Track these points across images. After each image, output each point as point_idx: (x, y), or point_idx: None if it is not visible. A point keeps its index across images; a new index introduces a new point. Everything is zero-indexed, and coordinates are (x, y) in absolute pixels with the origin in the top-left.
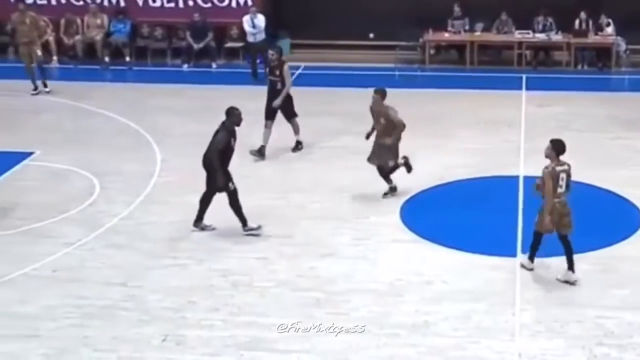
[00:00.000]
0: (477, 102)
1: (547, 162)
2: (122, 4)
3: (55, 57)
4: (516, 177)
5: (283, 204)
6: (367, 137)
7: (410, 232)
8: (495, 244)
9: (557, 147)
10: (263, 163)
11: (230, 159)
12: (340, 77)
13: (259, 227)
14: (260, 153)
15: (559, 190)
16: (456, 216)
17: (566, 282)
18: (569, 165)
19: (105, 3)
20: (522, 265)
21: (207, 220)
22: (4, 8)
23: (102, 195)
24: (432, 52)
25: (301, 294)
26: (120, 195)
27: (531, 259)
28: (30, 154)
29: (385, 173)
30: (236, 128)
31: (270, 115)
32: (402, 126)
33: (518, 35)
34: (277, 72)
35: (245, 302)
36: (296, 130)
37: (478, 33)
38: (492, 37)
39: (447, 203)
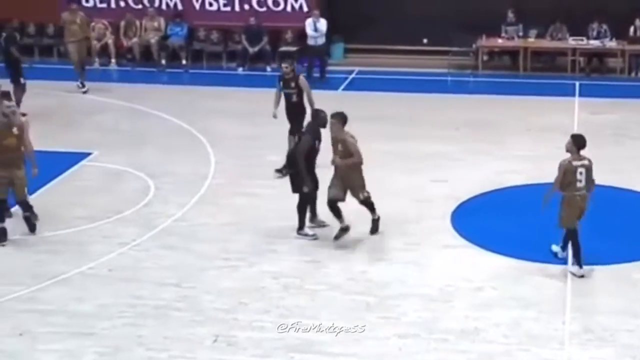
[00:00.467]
0: (529, 108)
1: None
2: (180, 7)
3: (113, 60)
4: None
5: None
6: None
7: (461, 238)
8: (546, 251)
9: (577, 142)
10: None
11: (315, 161)
12: (394, 82)
13: (313, 235)
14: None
15: (578, 184)
16: (507, 222)
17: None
18: (589, 160)
19: (163, 6)
20: (572, 273)
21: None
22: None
23: (156, 196)
24: (485, 57)
25: (352, 298)
26: (174, 196)
27: (579, 264)
28: (88, 154)
29: (335, 210)
30: (322, 130)
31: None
32: (358, 156)
33: (572, 41)
34: (293, 85)
35: (296, 305)
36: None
37: (531, 39)
38: (546, 43)
39: (498, 209)
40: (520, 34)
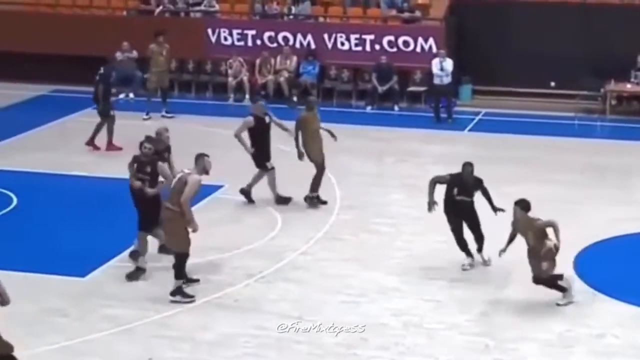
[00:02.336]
0: None
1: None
2: (313, 46)
3: (247, 96)
4: None
5: (455, 247)
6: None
7: (583, 283)
8: None
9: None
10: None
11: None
12: (520, 124)
13: None
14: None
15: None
16: (631, 269)
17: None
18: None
19: (297, 45)
20: None
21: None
22: (193, 46)
23: (283, 229)
24: (613, 102)
25: (470, 339)
26: (301, 230)
27: None
28: (220, 187)
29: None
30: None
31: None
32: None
33: None
34: (267, 119)
35: (415, 343)
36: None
37: None
38: None
39: (622, 256)
40: None
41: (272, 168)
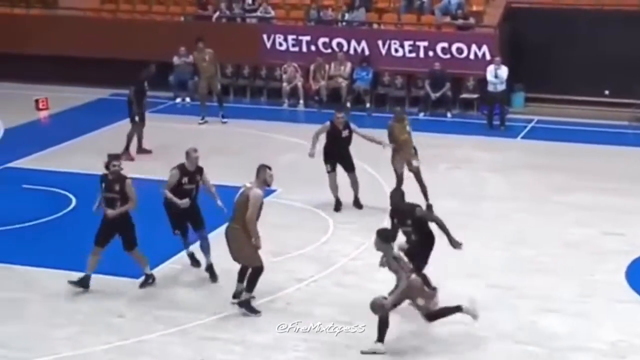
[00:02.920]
0: None
1: None
2: (367, 52)
3: (301, 101)
4: None
5: (507, 254)
6: None
7: (635, 293)
8: None
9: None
10: (488, 213)
11: None
12: (573, 132)
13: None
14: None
15: None
16: None
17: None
18: None
19: (351, 51)
20: None
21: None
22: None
23: (335, 234)
24: None
25: (521, 347)
26: (352, 236)
27: None
28: (273, 191)
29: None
30: None
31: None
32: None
33: None
34: (347, 132)
35: (464, 351)
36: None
37: None
38: None
39: None
40: None
41: (329, 172)
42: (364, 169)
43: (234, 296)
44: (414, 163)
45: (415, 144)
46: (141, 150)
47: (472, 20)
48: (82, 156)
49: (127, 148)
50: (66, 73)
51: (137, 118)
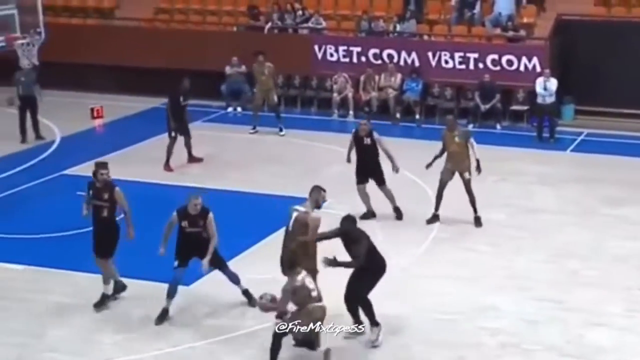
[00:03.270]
0: None
1: None
2: (417, 64)
3: (351, 112)
4: None
5: (555, 267)
6: None
7: None
8: None
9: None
10: (536, 225)
11: None
12: (623, 146)
13: None
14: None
15: None
16: None
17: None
18: None
19: (401, 62)
20: None
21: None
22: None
23: (383, 245)
24: None
25: None
26: (400, 247)
27: None
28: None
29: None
30: None
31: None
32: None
33: None
34: (369, 141)
35: None
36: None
37: None
38: None
39: None
40: None
41: (357, 184)
42: (408, 177)
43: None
44: (465, 175)
45: (478, 156)
46: (192, 159)
47: (522, 33)
48: (135, 164)
49: (167, 161)
50: (121, 82)
51: (172, 133)
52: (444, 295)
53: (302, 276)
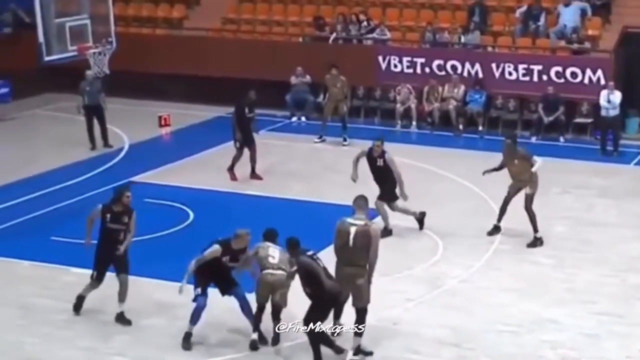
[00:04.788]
0: None
1: None
2: (480, 75)
3: (414, 122)
4: None
5: (617, 282)
6: None
7: None
8: None
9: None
10: (598, 239)
11: None
12: None
13: None
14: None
15: None
16: None
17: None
18: None
19: (465, 74)
20: None
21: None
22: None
23: (444, 256)
24: None
25: None
26: (461, 258)
27: None
28: None
29: None
30: None
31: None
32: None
33: None
34: (382, 162)
35: None
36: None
37: None
38: None
39: None
40: None
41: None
42: (470, 188)
43: (355, 353)
44: (526, 190)
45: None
46: (254, 175)
47: (587, 45)
48: (201, 172)
49: (231, 169)
50: (188, 91)
51: (237, 144)
52: (505, 307)
53: (269, 244)
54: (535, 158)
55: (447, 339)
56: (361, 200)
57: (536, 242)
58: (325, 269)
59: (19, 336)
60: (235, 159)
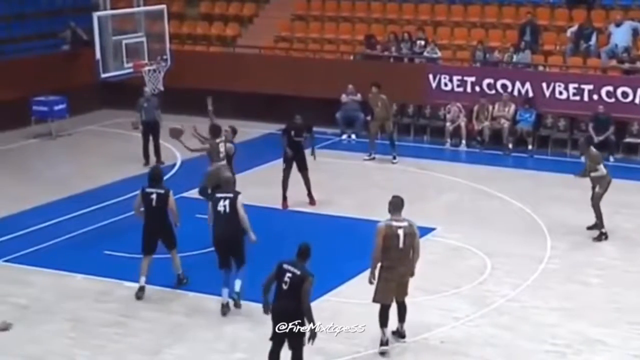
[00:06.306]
0: None
1: None
2: (530, 94)
3: (464, 141)
4: None
5: None
6: None
7: None
8: None
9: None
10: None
11: None
12: None
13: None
14: None
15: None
16: None
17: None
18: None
19: (515, 93)
20: None
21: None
22: (419, 92)
23: (492, 275)
24: None
25: None
26: (509, 277)
27: None
28: (433, 229)
29: None
30: None
31: None
32: None
33: None
34: None
35: None
36: None
37: None
38: None
39: None
40: None
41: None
42: (519, 207)
43: (402, 336)
44: (596, 189)
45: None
46: (309, 195)
47: (639, 65)
48: (251, 189)
49: (283, 196)
50: (240, 108)
51: (284, 165)
52: (553, 327)
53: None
54: (601, 166)
55: (494, 358)
56: (397, 199)
57: (601, 237)
58: None
59: (70, 349)
60: (285, 183)
